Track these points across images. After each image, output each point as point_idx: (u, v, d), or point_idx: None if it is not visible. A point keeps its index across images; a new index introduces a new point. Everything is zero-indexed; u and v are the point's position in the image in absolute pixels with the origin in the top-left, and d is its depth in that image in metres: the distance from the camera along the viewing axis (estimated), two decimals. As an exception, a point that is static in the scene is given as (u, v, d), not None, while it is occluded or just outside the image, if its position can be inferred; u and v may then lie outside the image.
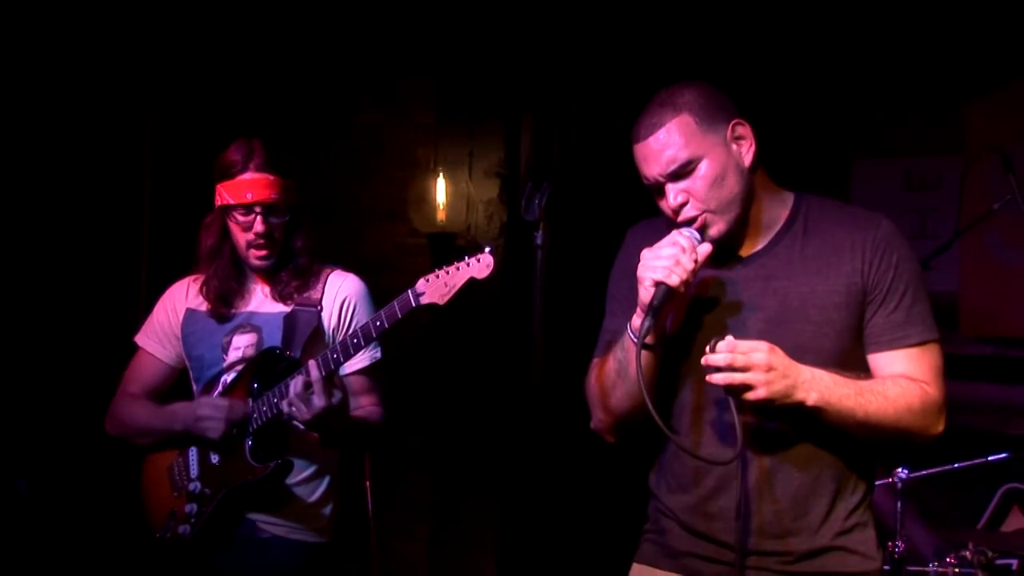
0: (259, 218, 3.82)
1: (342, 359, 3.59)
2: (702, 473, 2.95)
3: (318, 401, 3.52)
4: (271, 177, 3.85)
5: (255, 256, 3.86)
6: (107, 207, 6.09)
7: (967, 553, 4.34)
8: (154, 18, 6.03)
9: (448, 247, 6.37)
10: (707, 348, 2.79)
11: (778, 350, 2.77)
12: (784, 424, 2.87)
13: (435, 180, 6.50)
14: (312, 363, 3.56)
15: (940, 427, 2.94)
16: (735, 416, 2.79)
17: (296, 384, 3.54)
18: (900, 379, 2.88)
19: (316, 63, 6.51)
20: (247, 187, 3.82)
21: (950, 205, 6.02)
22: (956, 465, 4.72)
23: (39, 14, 5.68)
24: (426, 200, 6.52)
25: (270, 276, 3.94)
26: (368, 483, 5.13)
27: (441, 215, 6.47)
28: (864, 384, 2.86)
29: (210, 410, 3.77)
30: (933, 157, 6.28)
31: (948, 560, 4.46)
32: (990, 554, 4.32)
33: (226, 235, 3.91)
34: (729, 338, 2.78)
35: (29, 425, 5.63)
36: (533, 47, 6.48)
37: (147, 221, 6.14)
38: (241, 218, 3.83)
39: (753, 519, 2.90)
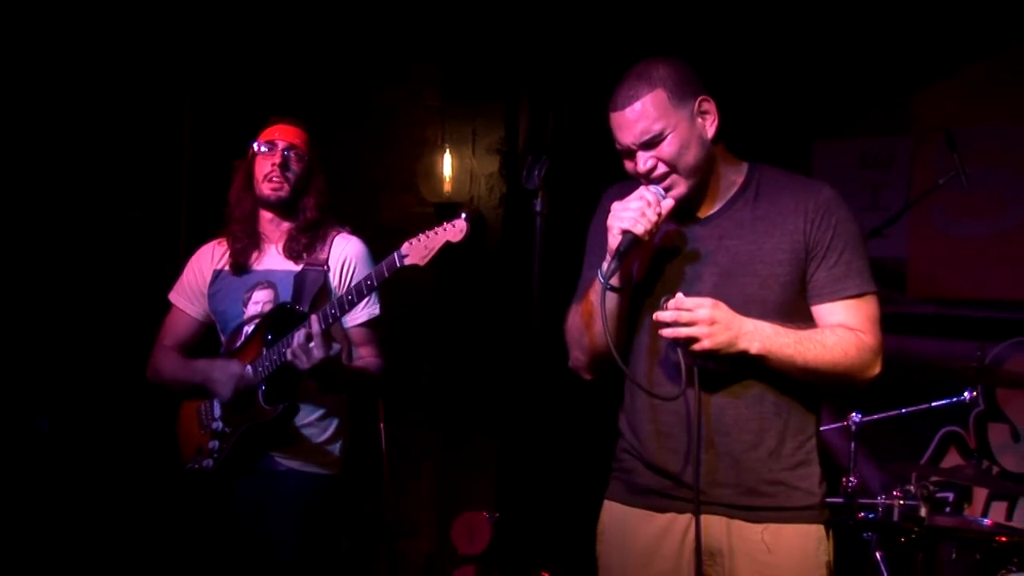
0: (279, 152, 3.95)
1: (339, 314, 3.68)
2: (659, 411, 3.00)
3: (317, 352, 3.60)
4: (296, 129, 4.03)
5: (269, 188, 3.95)
6: (149, 179, 6.13)
7: (911, 487, 4.39)
8: (187, 7, 6.04)
9: (453, 216, 6.35)
10: (661, 305, 2.86)
11: (722, 305, 2.85)
12: (734, 367, 2.91)
13: (442, 155, 6.54)
14: (313, 317, 3.64)
15: (876, 370, 2.98)
16: (680, 359, 2.87)
17: (299, 336, 3.62)
18: (838, 328, 2.94)
19: (336, 50, 6.55)
20: (275, 131, 4.01)
21: (900, 181, 6.08)
22: (903, 410, 4.78)
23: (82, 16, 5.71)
24: (433, 174, 6.55)
25: (283, 231, 4.00)
26: (382, 425, 5.17)
27: (447, 187, 6.51)
28: (803, 333, 2.91)
29: (220, 374, 3.89)
30: (885, 138, 6.27)
31: (895, 493, 4.50)
32: (931, 487, 4.38)
33: (250, 182, 4.01)
34: (679, 295, 2.86)
35: (75, 371, 5.69)
36: (531, 35, 6.50)
37: (185, 193, 6.16)
38: (265, 153, 3.96)
39: (706, 453, 2.94)
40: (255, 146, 4.00)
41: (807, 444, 3.01)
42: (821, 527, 3.01)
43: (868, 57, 6.12)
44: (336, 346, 3.69)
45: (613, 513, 3.17)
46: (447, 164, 6.51)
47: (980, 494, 5.74)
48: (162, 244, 6.02)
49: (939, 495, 4.58)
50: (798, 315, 2.96)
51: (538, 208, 3.00)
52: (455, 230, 3.50)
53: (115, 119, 5.96)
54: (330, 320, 3.64)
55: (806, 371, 2.91)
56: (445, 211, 6.33)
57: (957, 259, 6.01)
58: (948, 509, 5.43)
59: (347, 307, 3.67)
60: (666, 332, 2.86)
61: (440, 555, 6.37)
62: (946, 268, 6.03)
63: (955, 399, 4.73)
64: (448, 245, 3.50)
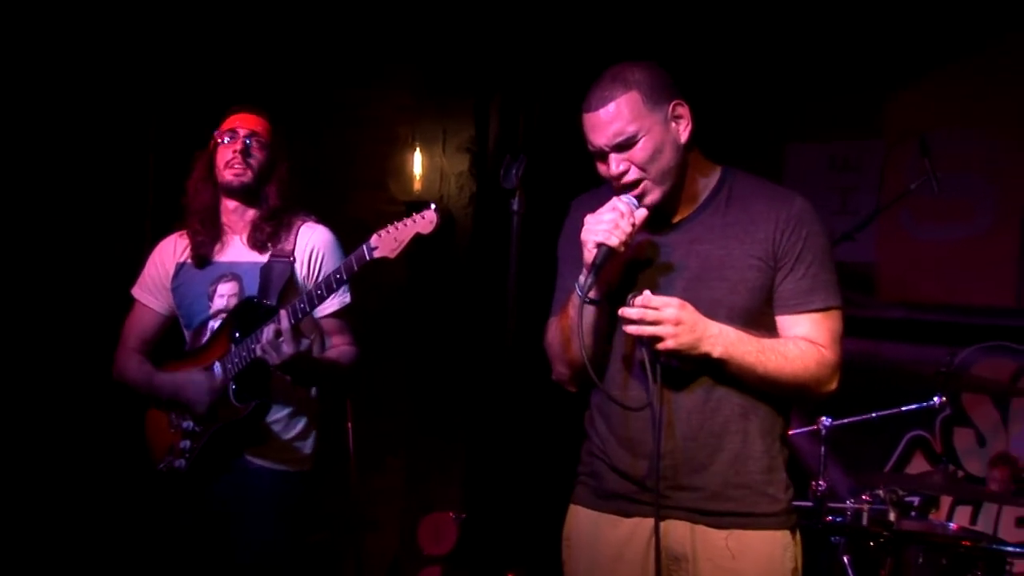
0: (240, 139, 3.88)
1: (308, 308, 3.62)
2: (629, 416, 2.97)
3: (287, 348, 3.53)
4: (257, 117, 3.97)
5: (231, 174, 3.88)
6: (114, 176, 6.01)
7: (880, 491, 4.38)
8: (153, 6, 5.96)
9: (423, 207, 6.32)
10: (628, 302, 2.84)
11: (688, 306, 2.83)
12: (699, 368, 2.89)
13: (412, 154, 6.51)
14: (282, 313, 3.57)
15: (833, 385, 2.97)
16: (647, 364, 2.85)
17: (268, 332, 3.56)
18: (800, 341, 2.92)
19: (306, 47, 6.48)
20: (236, 120, 3.95)
21: (870, 185, 6.09)
22: (874, 415, 4.76)
23: (45, 8, 5.60)
24: (404, 172, 6.53)
25: (247, 222, 3.94)
26: (350, 424, 5.12)
27: (417, 185, 6.49)
28: (767, 343, 2.90)
29: (194, 393, 3.81)
30: (856, 141, 6.30)
31: (863, 497, 4.49)
32: (900, 493, 4.37)
33: (211, 171, 3.95)
34: (646, 293, 2.83)
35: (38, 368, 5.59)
36: (502, 34, 6.48)
37: (151, 192, 6.07)
38: (226, 141, 3.90)
39: (669, 457, 2.91)
40: (216, 136, 3.95)
41: (773, 448, 2.98)
42: (787, 532, 2.98)
43: (839, 61, 6.13)
44: (306, 341, 3.61)
45: (579, 518, 3.13)
46: (417, 162, 6.49)
47: (946, 498, 5.74)
48: (127, 240, 5.87)
49: (906, 499, 4.57)
50: (763, 322, 2.94)
51: (515, 207, 2.97)
52: (424, 222, 3.46)
53: (80, 116, 5.82)
54: (299, 316, 3.58)
55: (765, 380, 2.90)
56: (416, 209, 6.31)
57: (926, 263, 6.03)
58: (914, 513, 5.42)
59: (316, 302, 3.61)
60: (631, 329, 2.83)
61: (406, 553, 6.32)
62: (915, 272, 6.06)
63: (925, 404, 4.71)
64: (418, 237, 3.47)
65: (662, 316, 2.80)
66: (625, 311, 2.83)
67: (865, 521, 4.44)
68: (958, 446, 5.99)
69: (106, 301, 5.44)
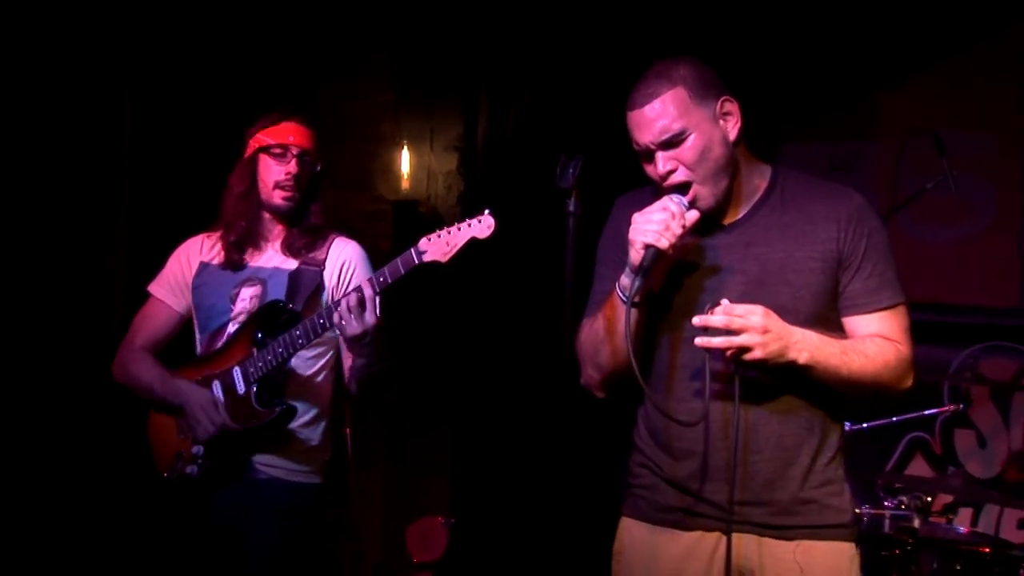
0: (295, 160, 3.76)
1: (388, 281, 3.45)
2: (682, 432, 2.88)
3: (370, 317, 3.42)
4: (309, 132, 3.85)
5: (280, 196, 3.77)
6: (88, 172, 5.81)
7: (904, 498, 4.31)
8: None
9: (411, 214, 6.31)
10: (704, 311, 2.73)
11: (772, 312, 2.73)
12: (766, 380, 2.80)
13: (400, 153, 6.41)
14: (365, 282, 3.45)
15: (910, 381, 2.92)
16: (720, 369, 2.77)
17: (349, 300, 3.42)
18: (876, 338, 2.85)
19: (287, 43, 6.32)
20: (289, 131, 3.81)
21: (865, 185, 6.08)
22: (895, 419, 4.71)
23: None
24: (391, 171, 6.42)
25: (282, 229, 3.84)
26: (348, 430, 5.03)
27: (405, 184, 6.37)
28: (847, 344, 2.83)
29: (204, 415, 3.69)
30: (852, 141, 6.30)
31: (886, 504, 4.42)
32: (926, 498, 4.30)
33: (255, 182, 3.81)
34: (725, 302, 2.73)
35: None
36: (488, 31, 6.42)
37: (126, 187, 5.90)
38: (276, 158, 3.77)
39: (738, 471, 2.82)
40: (264, 139, 3.80)
41: (835, 460, 2.92)
42: (852, 545, 2.92)
43: (836, 61, 6.14)
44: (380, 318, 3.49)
45: (633, 531, 3.03)
46: (405, 161, 6.40)
47: (946, 499, 5.72)
48: (101, 239, 5.71)
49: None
50: (828, 325, 2.85)
51: (571, 208, 2.84)
52: (481, 226, 3.34)
53: (54, 109, 5.65)
54: (378, 288, 3.44)
55: (849, 382, 2.81)
56: (403, 209, 6.30)
57: (925, 264, 6.02)
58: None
59: (378, 287, 3.44)
60: (716, 341, 2.72)
61: (393, 560, 6.21)
62: (914, 273, 6.01)
63: (944, 408, 4.68)
64: (474, 241, 3.35)
65: (748, 324, 2.70)
66: (707, 320, 2.72)
67: (888, 528, 4.36)
68: (959, 447, 6.01)
69: (78, 301, 5.36)
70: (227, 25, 6.04)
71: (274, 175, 3.76)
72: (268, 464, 3.72)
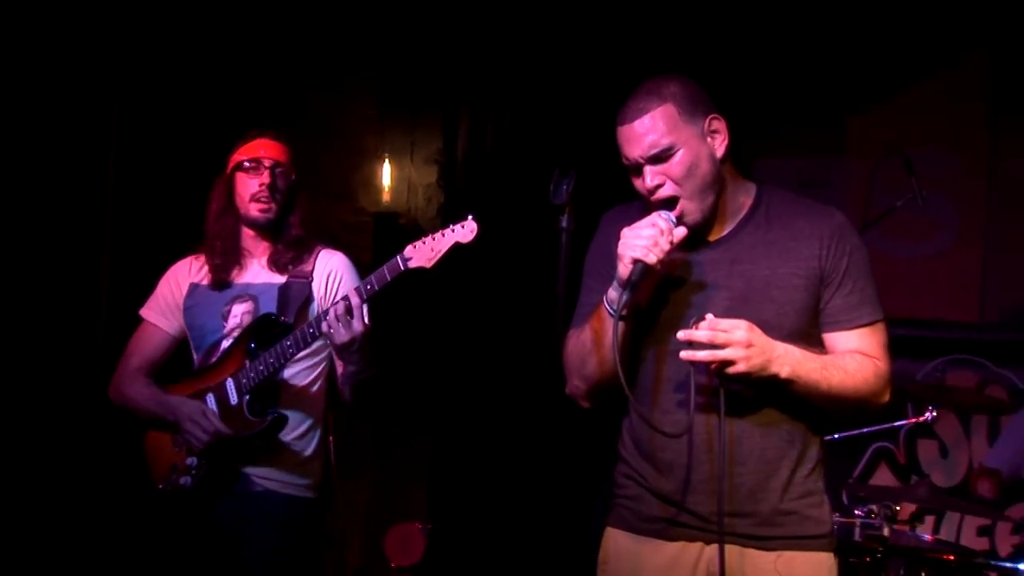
0: (267, 171, 3.81)
1: (375, 288, 3.49)
2: (667, 443, 2.91)
3: (357, 325, 3.46)
4: (282, 146, 3.89)
5: (257, 209, 3.82)
6: (73, 181, 5.79)
7: (874, 506, 4.39)
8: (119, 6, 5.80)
9: (392, 225, 6.37)
10: (689, 326, 2.77)
11: (756, 327, 2.77)
12: (750, 393, 2.84)
13: (381, 166, 6.47)
14: (352, 291, 3.50)
15: (887, 396, 2.96)
16: (703, 382, 2.81)
17: (337, 309, 3.47)
18: (856, 354, 2.89)
19: (271, 57, 6.35)
20: (260, 147, 3.86)
21: (834, 200, 6.11)
22: (865, 429, 4.80)
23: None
24: (372, 183, 6.48)
25: (267, 246, 3.88)
26: (332, 438, 5.07)
27: (386, 197, 6.45)
28: (827, 359, 2.87)
29: (196, 426, 3.71)
30: (820, 158, 6.37)
31: (856, 512, 4.48)
32: (895, 507, 4.38)
33: (232, 199, 3.87)
34: (710, 316, 2.77)
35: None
36: (469, 50, 6.48)
37: (111, 197, 5.91)
38: (250, 172, 3.82)
39: (718, 483, 2.85)
40: (238, 156, 3.86)
41: (815, 472, 2.96)
42: (831, 555, 2.96)
43: (806, 80, 6.19)
44: (368, 324, 3.52)
45: (618, 541, 3.06)
46: (386, 174, 6.46)
47: (909, 507, 5.82)
48: (86, 253, 5.72)
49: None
50: (811, 341, 2.90)
51: (564, 224, 2.89)
52: (464, 231, 3.39)
53: (39, 123, 5.61)
54: (365, 295, 3.49)
55: (829, 396, 2.86)
56: (384, 221, 6.37)
57: (890, 279, 5.99)
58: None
59: (365, 294, 3.49)
60: (701, 355, 2.76)
61: (373, 565, 6.27)
62: (882, 288, 6.10)
63: (920, 419, 4.78)
64: (458, 246, 3.40)
65: (732, 339, 2.74)
66: (691, 334, 2.76)
67: (858, 536, 4.43)
68: (922, 457, 6.09)
69: (64, 317, 5.35)
70: (215, 40, 6.07)
71: (250, 188, 3.80)
72: (263, 476, 3.76)
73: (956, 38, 5.95)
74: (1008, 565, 4.51)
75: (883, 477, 6.10)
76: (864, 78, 6.14)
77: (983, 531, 5.92)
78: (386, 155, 6.45)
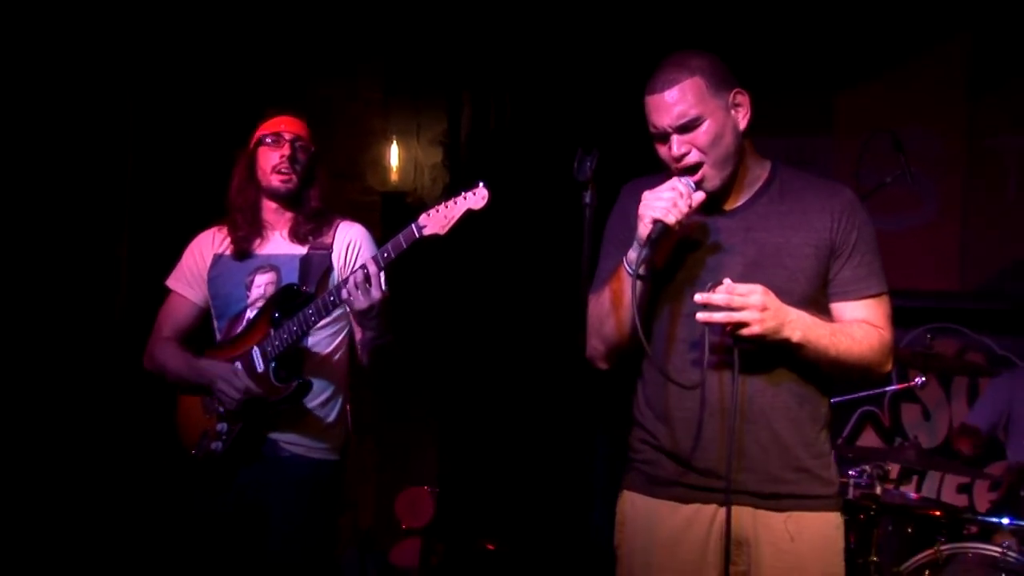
0: (287, 144, 3.92)
1: (391, 256, 3.56)
2: (683, 400, 2.99)
3: (376, 292, 3.52)
4: (302, 122, 4.02)
5: (278, 180, 3.92)
6: (92, 171, 5.82)
7: (867, 467, 4.53)
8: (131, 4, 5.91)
9: (399, 204, 6.44)
10: (706, 289, 2.86)
11: (770, 292, 2.86)
12: (761, 356, 2.92)
13: (388, 147, 6.53)
14: (370, 260, 3.55)
15: (890, 365, 3.07)
16: (705, 348, 2.90)
17: (356, 276, 3.54)
18: (862, 323, 2.99)
19: (280, 43, 6.41)
20: (282, 122, 3.98)
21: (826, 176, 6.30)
22: (862, 394, 4.97)
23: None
24: (380, 164, 6.54)
25: (288, 218, 3.98)
26: (348, 406, 5.16)
27: (393, 177, 6.50)
28: (835, 327, 2.96)
29: (228, 385, 3.78)
30: (807, 138, 6.47)
31: (850, 472, 4.58)
32: (886, 467, 4.53)
33: (254, 172, 3.97)
34: (727, 280, 2.86)
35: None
36: (472, 35, 6.54)
37: (129, 184, 6.01)
38: (271, 145, 3.93)
39: (734, 441, 2.91)
40: (260, 132, 3.97)
41: (823, 433, 3.04)
42: (838, 514, 3.06)
43: (791, 60, 6.29)
44: (387, 291, 3.58)
45: (635, 504, 3.13)
46: (394, 155, 6.50)
47: (894, 467, 6.03)
48: (105, 233, 5.81)
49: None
50: (819, 308, 2.99)
51: (587, 200, 2.89)
52: (475, 198, 3.44)
53: (58, 110, 5.67)
54: (382, 263, 3.54)
55: (836, 362, 2.94)
56: (392, 200, 6.44)
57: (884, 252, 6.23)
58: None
59: (382, 264, 3.55)
60: (717, 316, 2.84)
61: (378, 529, 6.38)
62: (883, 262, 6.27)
63: (910, 384, 4.93)
64: (470, 213, 3.45)
65: (748, 302, 2.82)
66: (708, 297, 2.84)
67: (852, 495, 4.54)
68: (906, 421, 6.26)
69: (83, 298, 5.43)
70: (225, 29, 6.16)
71: (271, 161, 3.91)
72: (289, 442, 3.84)
73: (939, 21, 6.05)
74: (993, 520, 4.69)
75: (869, 439, 6.24)
76: (850, 59, 6.23)
77: (962, 488, 6.13)
78: (393, 137, 6.51)
